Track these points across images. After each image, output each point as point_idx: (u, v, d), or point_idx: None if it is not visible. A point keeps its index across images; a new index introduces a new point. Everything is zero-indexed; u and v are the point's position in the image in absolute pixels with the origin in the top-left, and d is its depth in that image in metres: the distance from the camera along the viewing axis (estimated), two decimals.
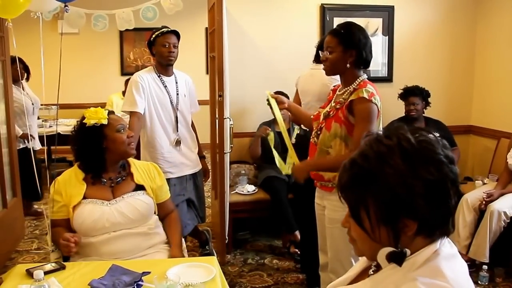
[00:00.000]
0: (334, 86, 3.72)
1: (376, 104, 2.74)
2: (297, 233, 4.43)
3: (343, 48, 2.81)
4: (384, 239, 1.23)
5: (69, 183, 2.70)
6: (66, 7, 3.68)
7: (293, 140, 4.42)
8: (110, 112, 2.80)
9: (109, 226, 2.60)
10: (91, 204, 2.63)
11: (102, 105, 3.08)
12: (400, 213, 1.19)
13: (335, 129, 2.79)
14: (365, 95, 2.73)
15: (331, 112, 2.86)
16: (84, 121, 2.68)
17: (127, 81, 8.11)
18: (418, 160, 1.18)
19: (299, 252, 4.42)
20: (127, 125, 2.87)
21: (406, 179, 1.16)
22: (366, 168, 1.22)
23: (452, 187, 1.20)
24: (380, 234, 1.23)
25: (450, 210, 1.22)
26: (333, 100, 2.99)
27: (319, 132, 2.91)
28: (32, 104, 5.65)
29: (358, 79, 2.85)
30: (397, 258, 1.22)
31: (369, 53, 2.86)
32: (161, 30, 3.84)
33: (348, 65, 2.83)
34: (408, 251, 1.22)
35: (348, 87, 2.86)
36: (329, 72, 2.96)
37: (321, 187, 2.99)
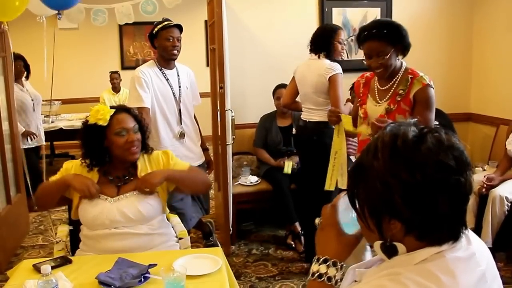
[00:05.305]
0: (331, 75, 3.74)
1: (433, 88, 2.86)
2: (297, 224, 4.46)
3: (393, 48, 2.84)
4: (374, 230, 1.26)
5: (83, 169, 2.69)
6: (59, 15, 3.70)
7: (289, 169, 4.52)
8: (123, 110, 2.71)
9: (108, 224, 2.56)
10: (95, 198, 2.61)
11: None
12: (382, 210, 1.20)
13: None
14: (428, 80, 2.83)
15: (392, 105, 2.89)
16: (87, 118, 2.66)
17: (111, 75, 8.16)
18: (404, 161, 1.16)
19: (293, 245, 4.48)
20: (136, 127, 2.70)
21: (386, 177, 1.16)
22: (361, 160, 1.25)
23: (444, 195, 1.15)
24: (369, 225, 1.26)
25: (442, 217, 1.17)
26: (375, 94, 3.02)
27: None
28: (32, 100, 5.65)
29: (402, 67, 2.93)
30: (387, 251, 1.25)
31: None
32: (164, 23, 3.82)
33: (398, 58, 2.90)
34: (401, 247, 1.23)
35: (395, 78, 2.92)
36: (385, 75, 2.94)
37: None
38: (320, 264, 1.40)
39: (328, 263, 1.39)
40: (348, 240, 1.42)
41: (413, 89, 2.86)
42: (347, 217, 1.42)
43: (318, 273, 1.39)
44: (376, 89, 3.04)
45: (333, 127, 3.53)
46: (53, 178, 2.75)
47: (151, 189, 2.63)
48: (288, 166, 4.55)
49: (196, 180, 2.88)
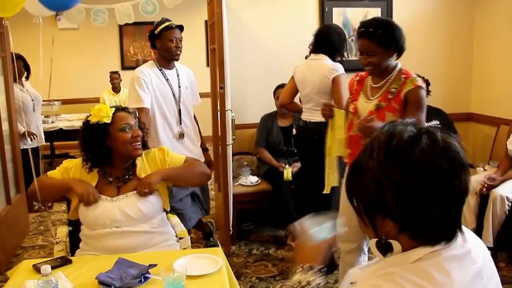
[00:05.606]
0: (334, 76, 3.75)
1: (425, 90, 2.90)
2: None
3: (384, 49, 2.86)
4: (370, 227, 1.27)
5: (83, 170, 2.72)
6: (59, 16, 3.70)
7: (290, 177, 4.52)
8: (121, 109, 2.76)
9: (109, 223, 2.58)
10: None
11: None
12: (375, 209, 1.22)
13: (389, 119, 2.80)
14: (420, 82, 2.86)
15: (383, 103, 2.90)
16: (88, 118, 2.66)
17: (111, 75, 8.16)
18: (398, 162, 1.16)
19: (294, 246, 4.44)
20: (136, 124, 2.75)
21: (379, 177, 1.18)
22: (359, 159, 1.27)
23: (436, 198, 1.15)
24: (365, 222, 1.28)
25: (434, 219, 1.17)
26: (367, 91, 3.04)
27: None
28: (32, 100, 5.65)
29: (396, 67, 2.95)
30: (382, 248, 1.27)
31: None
32: (167, 24, 3.82)
33: (390, 59, 2.93)
34: (396, 245, 1.23)
35: (389, 77, 2.94)
36: (375, 73, 2.98)
37: None
38: (297, 273, 1.48)
39: (303, 269, 1.47)
40: (318, 245, 1.53)
41: (404, 89, 2.88)
42: (317, 229, 1.56)
43: (297, 281, 1.45)
44: (369, 86, 3.06)
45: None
46: (52, 174, 2.77)
47: (150, 189, 2.63)
48: (287, 173, 4.54)
49: (193, 173, 2.89)
